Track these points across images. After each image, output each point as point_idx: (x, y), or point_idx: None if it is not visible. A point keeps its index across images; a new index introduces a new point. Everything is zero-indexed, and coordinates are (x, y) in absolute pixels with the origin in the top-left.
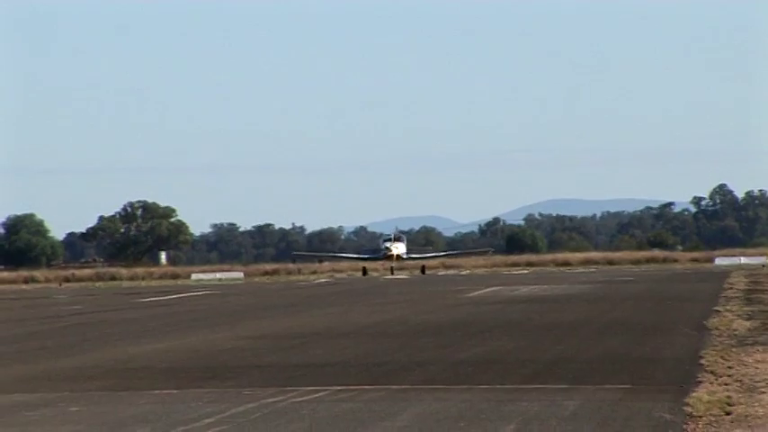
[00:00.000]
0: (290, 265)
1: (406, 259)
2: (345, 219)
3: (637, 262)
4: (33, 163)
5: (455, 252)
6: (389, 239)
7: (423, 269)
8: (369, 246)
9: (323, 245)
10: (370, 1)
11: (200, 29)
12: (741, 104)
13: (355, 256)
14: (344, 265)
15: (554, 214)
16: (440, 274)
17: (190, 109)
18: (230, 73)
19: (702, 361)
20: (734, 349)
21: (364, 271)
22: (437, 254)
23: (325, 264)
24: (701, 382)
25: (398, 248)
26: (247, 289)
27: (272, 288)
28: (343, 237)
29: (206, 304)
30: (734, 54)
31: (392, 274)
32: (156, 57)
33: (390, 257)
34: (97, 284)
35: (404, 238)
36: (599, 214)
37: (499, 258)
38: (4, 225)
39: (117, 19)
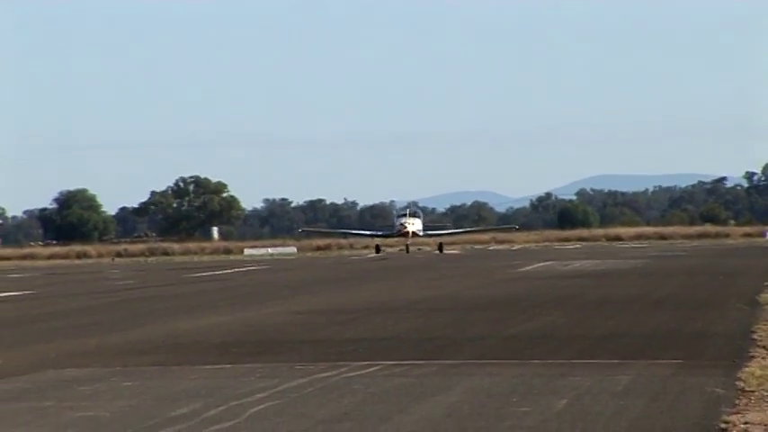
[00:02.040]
0: (342, 240)
1: (423, 236)
2: (397, 194)
3: (688, 237)
4: (86, 138)
5: (476, 229)
6: (404, 215)
7: (440, 247)
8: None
9: (375, 220)
10: None
11: (251, 3)
12: None
13: (368, 233)
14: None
15: (606, 189)
16: (491, 248)
17: (242, 84)
18: (283, 46)
19: (755, 336)
20: None
21: (377, 249)
22: (456, 230)
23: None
24: (753, 356)
25: (414, 225)
26: (299, 264)
27: (324, 263)
28: (394, 212)
29: (258, 279)
30: None
31: (407, 252)
32: (207, 31)
33: (405, 234)
34: (149, 259)
35: (420, 213)
36: (651, 189)
37: (551, 233)
38: (57, 200)
39: None
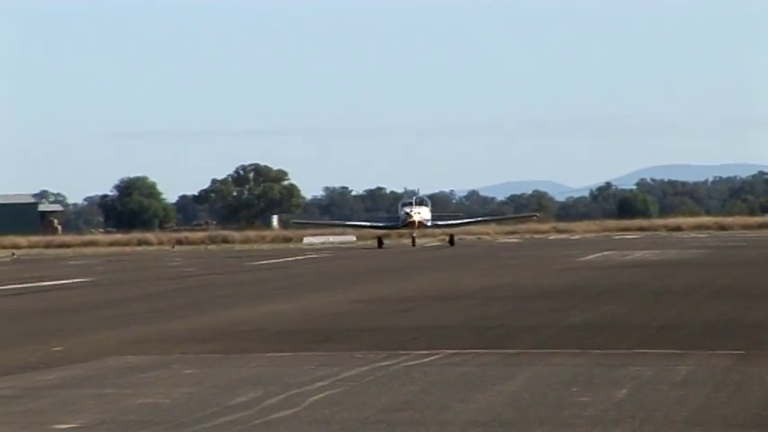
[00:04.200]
0: (402, 230)
1: (431, 227)
2: (457, 183)
3: (749, 227)
4: (146, 126)
5: (489, 218)
6: (410, 203)
7: (451, 239)
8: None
9: (433, 208)
10: None
11: None
12: None
13: (368, 224)
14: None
15: (665, 179)
16: (550, 238)
17: (303, 73)
18: (342, 35)
19: None
20: None
21: (380, 242)
22: (467, 220)
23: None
24: None
25: (421, 214)
26: (359, 252)
27: (384, 251)
28: (454, 201)
29: (318, 267)
30: None
31: (413, 245)
32: (269, 22)
33: (411, 225)
34: (209, 247)
35: (428, 202)
36: (711, 179)
37: (610, 223)
38: (118, 187)
39: None
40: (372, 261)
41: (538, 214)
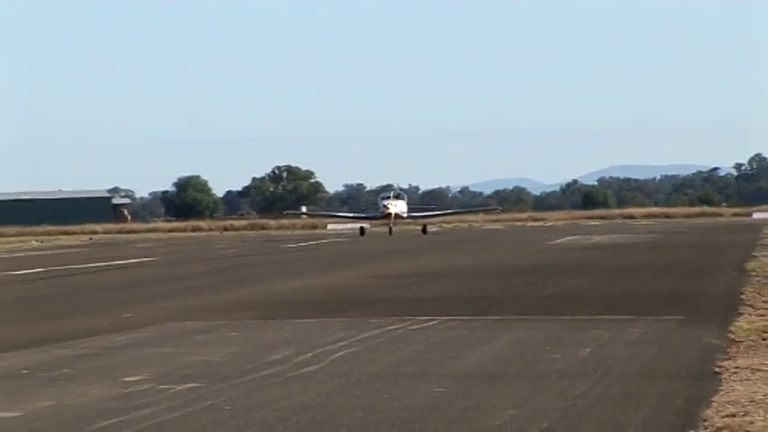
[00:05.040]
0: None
1: (407, 218)
2: (453, 179)
3: (689, 216)
4: (199, 133)
5: (457, 210)
6: (388, 197)
7: (424, 228)
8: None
9: (433, 201)
10: None
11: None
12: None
13: (352, 215)
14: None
15: (621, 177)
16: (528, 225)
17: (325, 89)
18: (354, 47)
19: (742, 296)
20: None
21: (362, 231)
22: (439, 212)
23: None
24: (741, 313)
25: (397, 207)
26: (373, 237)
27: (394, 236)
28: (450, 195)
29: (339, 249)
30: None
31: (390, 234)
32: (297, 37)
33: (389, 216)
34: (250, 233)
35: (404, 196)
36: (658, 177)
37: (577, 213)
38: (176, 184)
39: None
40: (385, 244)
41: (500, 208)
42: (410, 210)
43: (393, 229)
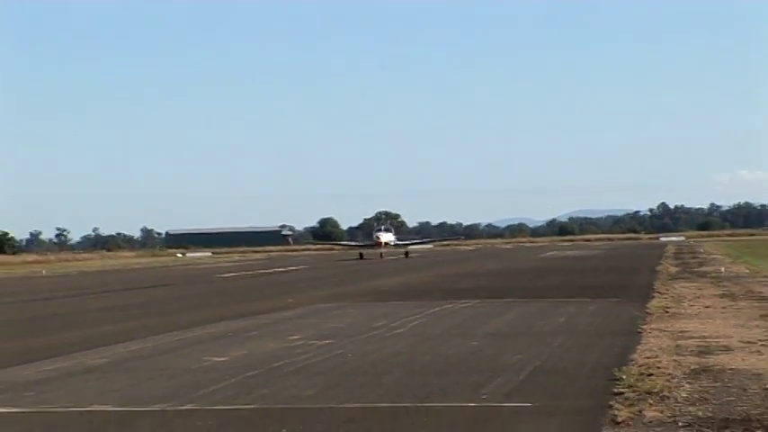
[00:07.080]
0: (374, 248)
1: (394, 245)
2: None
3: (622, 239)
4: (335, 190)
5: (436, 240)
6: (380, 229)
7: (406, 253)
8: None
9: (470, 232)
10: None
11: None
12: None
13: (353, 243)
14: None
15: (583, 216)
16: (527, 245)
17: (400, 153)
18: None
19: (654, 286)
20: (669, 281)
21: (360, 256)
22: (420, 240)
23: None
24: (653, 297)
25: (386, 237)
26: (433, 253)
27: (443, 252)
28: (479, 228)
29: (407, 261)
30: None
31: (381, 257)
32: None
33: (379, 244)
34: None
35: (392, 228)
36: (604, 216)
37: (556, 238)
38: (319, 222)
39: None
40: (439, 257)
41: (463, 236)
42: (397, 239)
43: (383, 253)
